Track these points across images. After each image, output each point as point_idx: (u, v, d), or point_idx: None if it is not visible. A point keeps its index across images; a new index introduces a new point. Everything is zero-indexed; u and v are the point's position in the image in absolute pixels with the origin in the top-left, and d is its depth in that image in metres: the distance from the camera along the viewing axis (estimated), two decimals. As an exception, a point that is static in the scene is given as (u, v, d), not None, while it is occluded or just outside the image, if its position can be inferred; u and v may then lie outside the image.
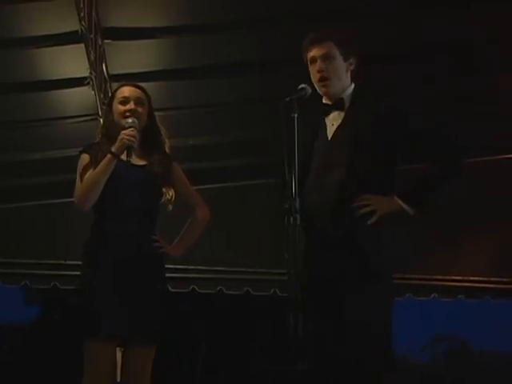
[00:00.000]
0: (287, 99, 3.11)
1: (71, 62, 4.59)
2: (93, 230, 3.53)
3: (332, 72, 3.33)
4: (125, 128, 3.47)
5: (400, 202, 3.26)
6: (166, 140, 3.69)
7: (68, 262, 6.07)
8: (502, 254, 6.58)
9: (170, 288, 6.08)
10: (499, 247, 6.61)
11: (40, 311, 15.05)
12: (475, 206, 6.42)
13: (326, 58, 3.32)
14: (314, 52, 3.35)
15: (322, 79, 3.33)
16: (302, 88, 3.18)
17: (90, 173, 3.45)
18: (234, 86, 5.26)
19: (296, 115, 3.08)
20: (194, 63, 4.96)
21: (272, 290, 6.55)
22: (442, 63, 5.21)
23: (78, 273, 3.58)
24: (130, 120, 3.49)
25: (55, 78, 4.85)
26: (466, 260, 6.67)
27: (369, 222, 3.21)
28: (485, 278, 6.61)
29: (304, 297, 2.99)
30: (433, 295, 6.70)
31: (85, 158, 3.53)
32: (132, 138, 3.42)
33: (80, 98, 4.97)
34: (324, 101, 3.41)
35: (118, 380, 3.63)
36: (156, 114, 3.71)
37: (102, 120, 3.78)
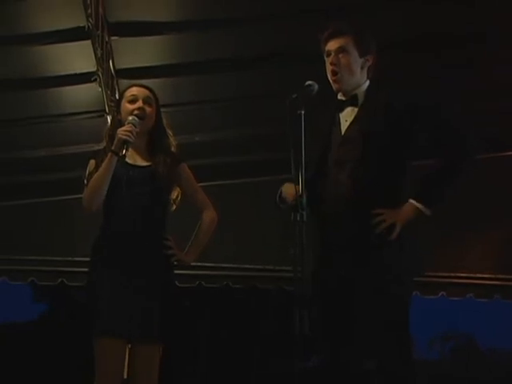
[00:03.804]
0: (293, 96, 3.09)
1: (78, 58, 4.59)
2: (101, 229, 3.58)
3: (344, 66, 3.31)
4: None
5: (417, 204, 3.20)
6: (173, 141, 3.71)
7: (76, 259, 6.08)
8: (508, 252, 6.53)
9: (177, 283, 6.11)
10: (506, 244, 6.56)
11: (47, 308, 15.08)
12: (481, 202, 6.38)
13: (340, 51, 3.30)
14: (329, 45, 3.34)
15: (334, 73, 3.32)
16: (309, 85, 3.16)
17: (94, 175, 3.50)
18: (240, 81, 5.25)
19: (302, 112, 3.06)
20: (200, 59, 4.95)
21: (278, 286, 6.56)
22: (444, 58, 5.17)
23: (86, 269, 3.61)
24: (130, 117, 3.51)
25: (62, 75, 4.85)
26: (472, 258, 6.62)
27: (391, 238, 3.15)
28: (493, 276, 6.56)
29: (311, 294, 2.98)
30: (441, 293, 6.56)
31: (92, 164, 3.59)
32: (128, 133, 3.44)
33: (87, 94, 4.97)
34: (339, 97, 3.40)
35: (125, 377, 3.65)
36: (163, 109, 3.72)
37: (109, 121, 3.80)
